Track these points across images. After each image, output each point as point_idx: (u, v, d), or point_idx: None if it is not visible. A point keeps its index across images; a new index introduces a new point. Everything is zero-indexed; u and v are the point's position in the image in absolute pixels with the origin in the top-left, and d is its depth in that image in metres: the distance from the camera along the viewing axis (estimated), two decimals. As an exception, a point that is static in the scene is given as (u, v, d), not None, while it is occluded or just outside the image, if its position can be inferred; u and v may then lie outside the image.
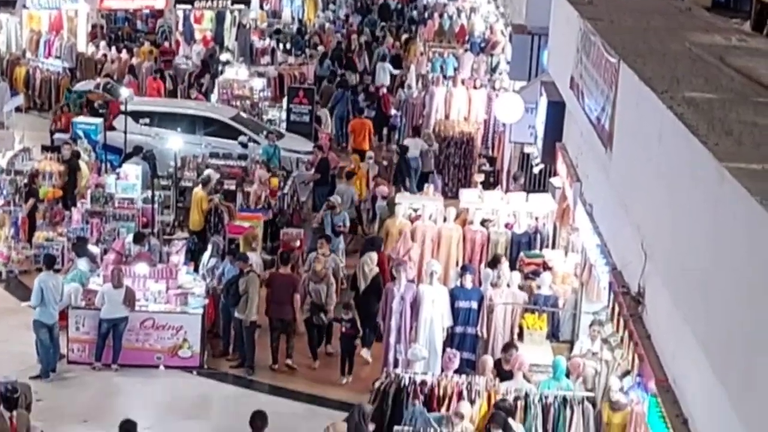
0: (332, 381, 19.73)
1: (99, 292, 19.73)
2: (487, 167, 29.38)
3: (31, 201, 24.57)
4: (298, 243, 23.42)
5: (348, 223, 24.08)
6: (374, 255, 20.86)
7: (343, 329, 19.88)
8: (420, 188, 25.92)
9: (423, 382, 14.81)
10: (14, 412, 14.02)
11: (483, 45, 40.87)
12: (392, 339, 18.79)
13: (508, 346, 16.95)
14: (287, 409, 18.53)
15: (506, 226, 22.14)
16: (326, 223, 23.69)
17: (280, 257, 21.23)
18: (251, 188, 25.55)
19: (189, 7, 43.87)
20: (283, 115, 33.15)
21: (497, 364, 16.76)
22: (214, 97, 34.59)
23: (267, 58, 41.24)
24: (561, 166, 19.00)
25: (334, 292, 20.30)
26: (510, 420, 13.19)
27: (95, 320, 19.64)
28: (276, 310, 20.08)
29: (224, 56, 38.99)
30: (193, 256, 22.68)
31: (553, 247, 21.72)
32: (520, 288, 19.05)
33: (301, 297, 20.14)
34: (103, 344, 19.61)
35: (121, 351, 19.68)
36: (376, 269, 20.55)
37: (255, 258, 21.31)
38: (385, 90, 36.24)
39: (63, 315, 20.26)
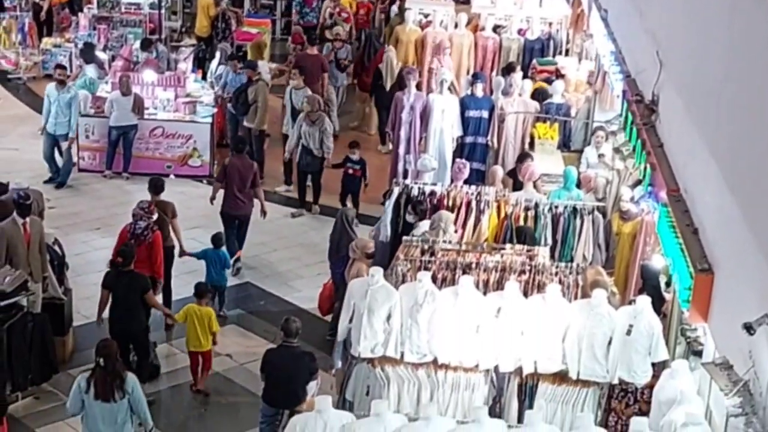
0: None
1: (108, 100, 19.64)
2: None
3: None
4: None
5: (351, 57, 23.26)
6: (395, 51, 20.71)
7: (350, 171, 18.68)
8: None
9: (432, 193, 14.77)
10: (27, 219, 14.06)
11: None
12: (401, 149, 18.70)
13: (524, 156, 16.85)
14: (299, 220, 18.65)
15: (519, 32, 21.81)
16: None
17: (308, 38, 20.94)
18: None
19: None
20: None
21: (510, 173, 16.69)
22: None
23: None
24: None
25: (330, 141, 18.77)
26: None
27: (105, 128, 19.60)
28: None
29: None
30: (201, 63, 22.46)
31: (567, 54, 21.44)
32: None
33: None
34: (114, 152, 19.61)
35: (132, 159, 19.72)
36: (400, 64, 20.49)
37: (264, 66, 21.07)
38: None
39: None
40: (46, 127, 19.26)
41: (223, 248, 15.75)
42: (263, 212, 17.05)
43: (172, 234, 15.57)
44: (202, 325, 13.95)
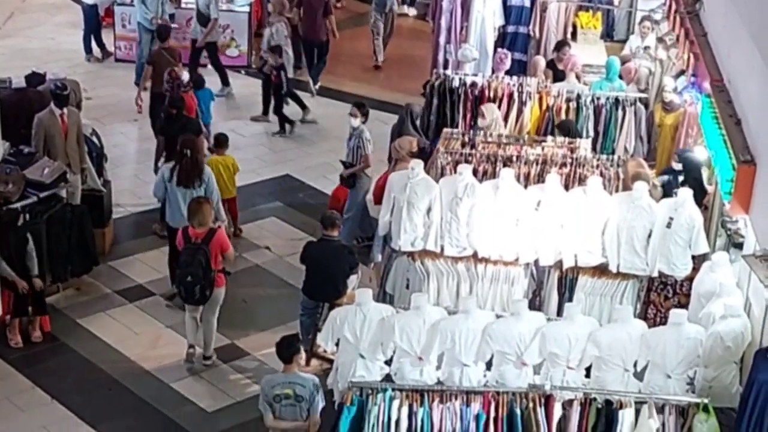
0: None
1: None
2: None
3: None
4: None
5: None
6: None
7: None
8: None
9: (473, 84, 14.60)
10: (65, 110, 14.04)
11: None
12: (442, 39, 18.41)
13: (561, 44, 16.59)
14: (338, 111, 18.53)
15: None
16: None
17: None
18: None
19: None
20: None
21: (550, 64, 16.46)
22: None
23: None
24: None
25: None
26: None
27: (143, 17, 19.47)
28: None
29: None
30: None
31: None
32: None
33: None
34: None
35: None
36: None
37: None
38: None
39: (108, 12, 20.16)
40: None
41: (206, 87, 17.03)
42: (334, 35, 19.24)
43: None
44: (228, 173, 14.55)
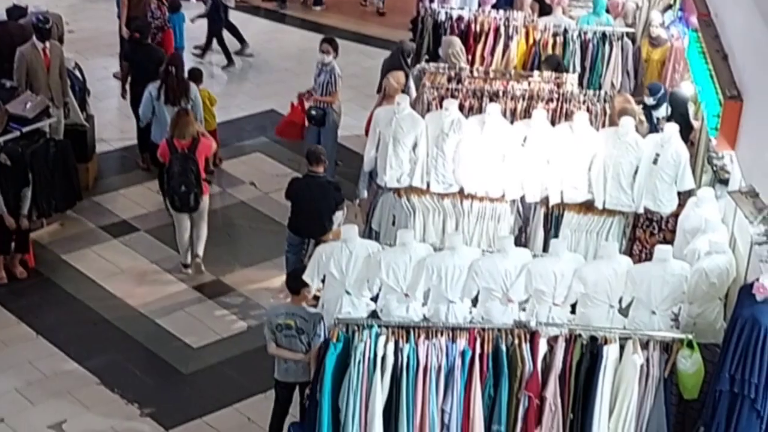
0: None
1: None
2: None
3: None
4: None
5: None
6: None
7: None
8: None
9: (459, 18, 14.48)
10: (47, 43, 13.90)
11: None
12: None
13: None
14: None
15: None
16: None
17: None
18: None
19: None
20: None
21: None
22: None
23: None
24: None
25: None
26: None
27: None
28: None
29: None
30: None
31: None
32: None
33: None
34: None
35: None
36: None
37: None
38: None
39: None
40: None
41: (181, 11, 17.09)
42: None
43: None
44: (205, 105, 14.46)
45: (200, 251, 13.19)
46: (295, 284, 10.39)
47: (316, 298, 11.04)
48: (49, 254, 13.43)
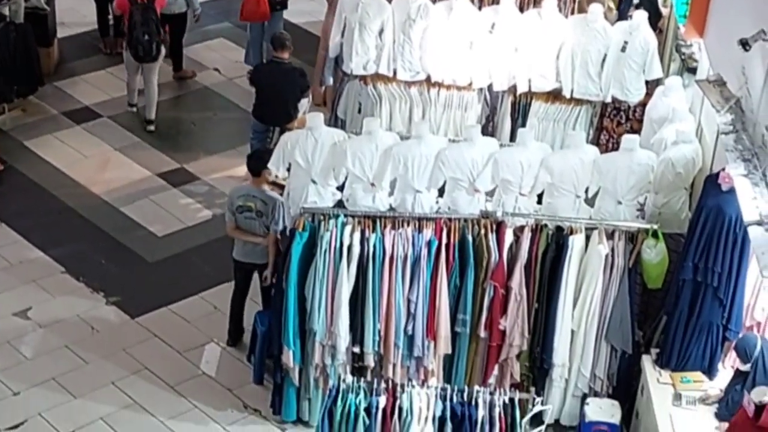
0: None
1: None
2: None
3: None
4: None
5: None
6: None
7: None
8: None
9: None
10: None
11: None
12: None
13: None
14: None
15: None
16: None
17: None
18: None
19: None
20: None
21: None
22: None
23: None
24: None
25: None
26: None
27: None
28: None
29: None
30: None
31: None
32: None
33: None
34: None
35: None
36: None
37: None
38: None
39: None
40: None
41: None
42: None
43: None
44: None
45: (152, 115, 13.46)
46: (256, 166, 10.33)
47: (274, 183, 11.03)
48: (11, 141, 13.28)
